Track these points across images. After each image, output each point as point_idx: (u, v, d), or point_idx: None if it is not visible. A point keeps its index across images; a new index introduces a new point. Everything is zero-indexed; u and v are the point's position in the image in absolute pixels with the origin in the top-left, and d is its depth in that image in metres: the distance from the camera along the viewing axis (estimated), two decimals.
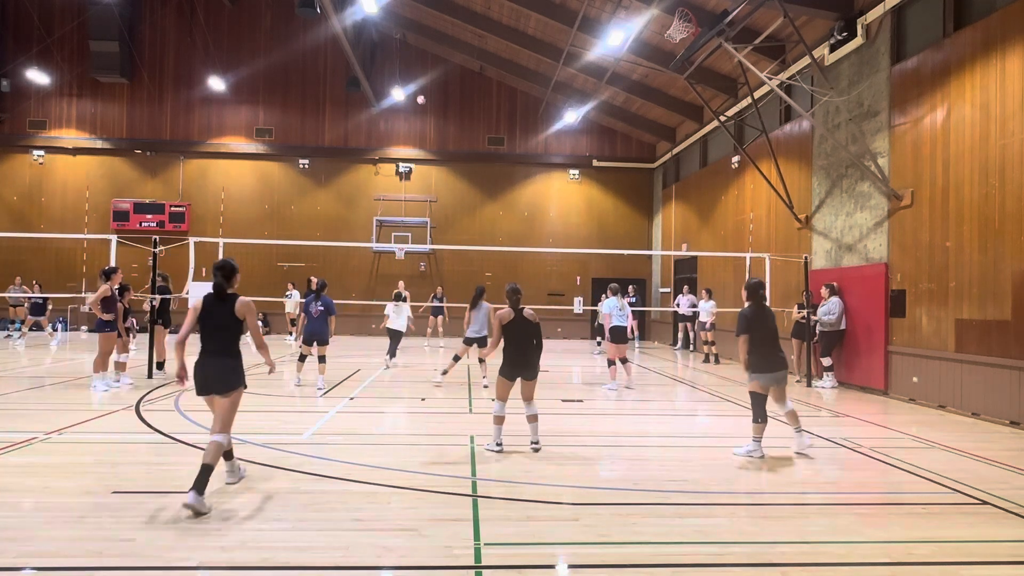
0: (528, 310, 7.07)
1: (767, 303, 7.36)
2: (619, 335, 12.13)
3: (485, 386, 11.65)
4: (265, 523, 4.77)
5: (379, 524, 4.83)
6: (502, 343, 7.12)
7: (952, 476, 6.43)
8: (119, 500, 5.21)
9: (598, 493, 5.68)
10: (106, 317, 10.51)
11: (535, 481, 5.95)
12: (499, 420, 7.00)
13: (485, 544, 4.45)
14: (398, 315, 15.32)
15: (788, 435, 8.39)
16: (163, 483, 5.77)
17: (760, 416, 7.05)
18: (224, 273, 5.47)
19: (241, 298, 5.48)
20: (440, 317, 20.72)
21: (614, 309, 12.27)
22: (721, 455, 7.29)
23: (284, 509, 5.06)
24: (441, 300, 20.59)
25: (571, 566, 4.18)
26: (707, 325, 17.48)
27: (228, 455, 5.68)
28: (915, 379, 11.02)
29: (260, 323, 23.31)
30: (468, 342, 11.98)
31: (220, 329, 5.37)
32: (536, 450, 6.97)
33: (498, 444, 6.97)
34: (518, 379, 7.06)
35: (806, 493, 5.86)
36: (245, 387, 5.50)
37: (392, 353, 15.22)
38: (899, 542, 4.70)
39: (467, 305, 12.36)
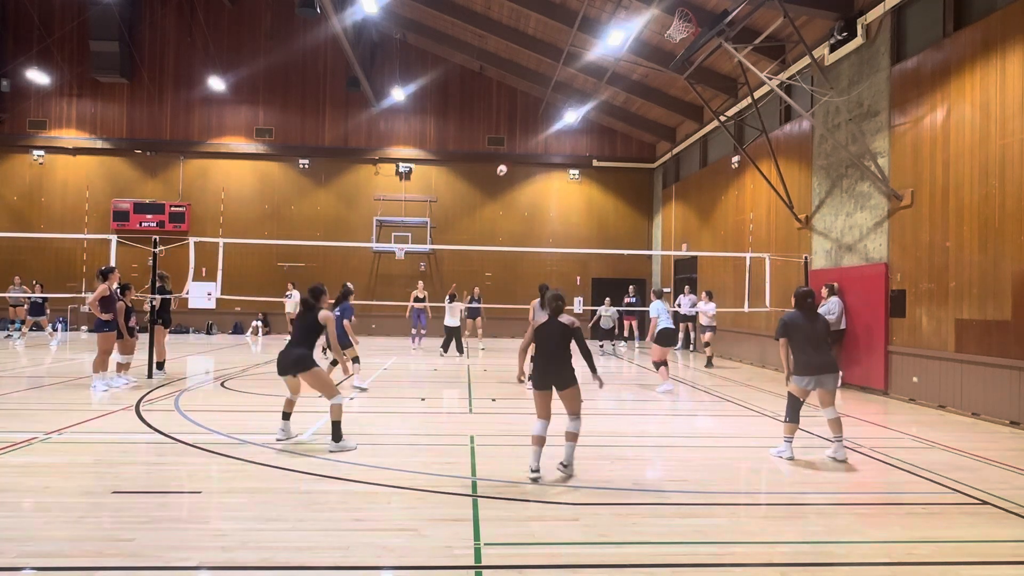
0: (567, 316, 6.27)
1: (818, 310, 7.37)
2: (669, 338, 11.98)
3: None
4: (265, 523, 4.77)
5: (379, 524, 4.83)
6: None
7: (952, 476, 6.43)
8: (119, 500, 5.21)
9: (598, 493, 5.67)
10: (105, 317, 10.52)
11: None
12: (536, 440, 6.04)
13: (485, 544, 4.45)
14: (451, 313, 16.65)
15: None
16: (163, 483, 5.78)
17: (789, 416, 7.01)
18: (312, 294, 7.30)
19: (323, 311, 7.17)
20: (479, 319, 19.52)
21: (662, 311, 12.02)
22: (721, 455, 7.30)
23: (284, 509, 5.06)
24: (478, 301, 19.36)
25: (571, 566, 4.18)
26: (708, 328, 16.93)
27: (286, 416, 7.28)
28: (915, 379, 11.02)
29: (261, 323, 23.52)
30: None
31: (304, 329, 7.12)
32: (563, 472, 6.01)
33: (533, 471, 5.91)
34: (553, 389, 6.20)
35: (806, 493, 5.86)
36: (319, 366, 7.03)
37: (445, 347, 16.92)
38: (899, 542, 4.70)
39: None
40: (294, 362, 6.97)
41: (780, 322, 7.16)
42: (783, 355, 7.13)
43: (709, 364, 16.42)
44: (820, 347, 6.99)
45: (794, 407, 7.02)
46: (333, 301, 11.57)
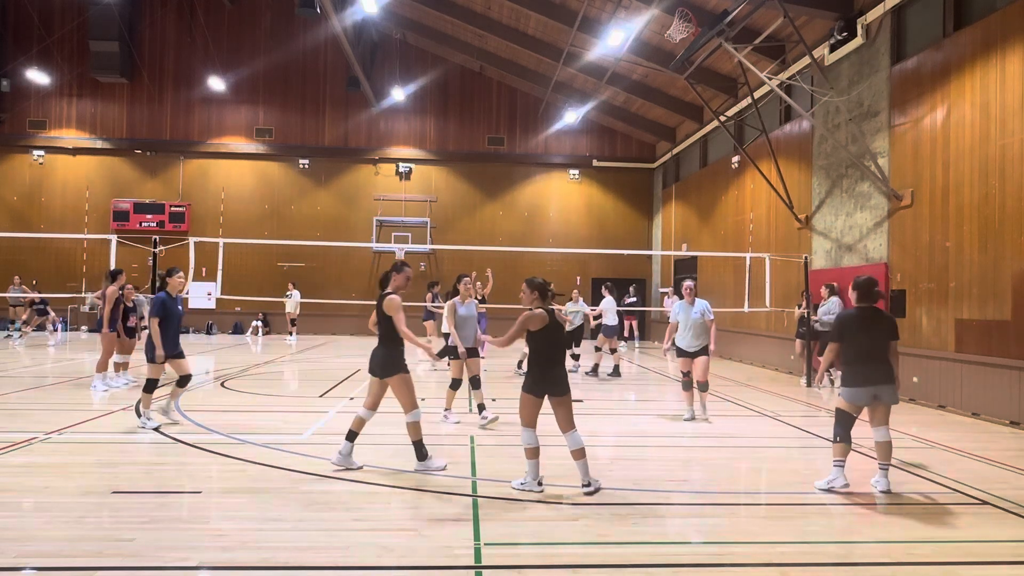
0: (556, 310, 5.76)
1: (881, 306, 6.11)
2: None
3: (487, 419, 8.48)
4: (265, 523, 4.77)
5: (379, 524, 4.83)
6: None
7: (952, 476, 6.43)
8: (119, 500, 5.20)
9: (598, 493, 5.67)
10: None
11: None
12: (532, 453, 5.60)
13: (485, 544, 4.45)
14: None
15: (790, 435, 8.41)
16: (163, 483, 5.78)
17: (839, 435, 5.88)
18: (381, 277, 6.40)
19: (389, 296, 6.15)
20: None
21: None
22: (721, 455, 7.30)
23: (284, 509, 5.06)
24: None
25: (571, 566, 4.18)
26: (611, 328, 13.66)
27: (351, 436, 6.26)
28: (915, 379, 11.02)
29: (261, 323, 23.46)
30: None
31: (380, 322, 6.21)
32: (589, 493, 5.55)
33: (539, 484, 5.59)
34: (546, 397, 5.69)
35: (806, 493, 5.85)
36: (406, 372, 6.19)
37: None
38: (899, 542, 4.70)
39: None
40: (380, 363, 6.20)
41: (836, 320, 6.13)
42: (826, 360, 6.17)
43: (617, 372, 13.76)
44: (878, 354, 5.89)
45: (843, 424, 5.91)
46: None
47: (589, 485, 5.58)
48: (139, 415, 7.83)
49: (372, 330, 6.44)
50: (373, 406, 6.33)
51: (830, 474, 5.91)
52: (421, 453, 6.24)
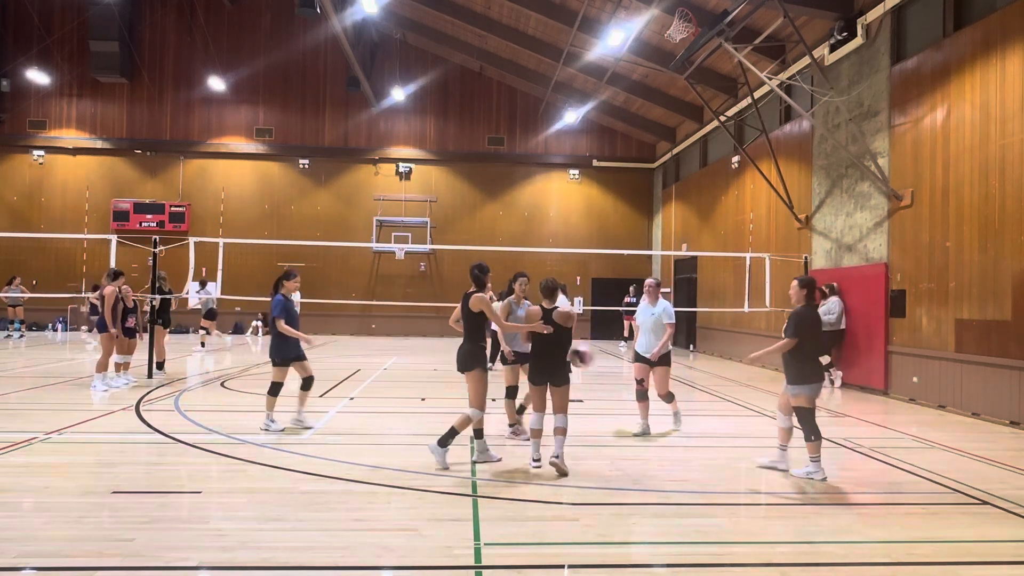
0: (562, 308, 6.36)
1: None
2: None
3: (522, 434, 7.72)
4: (265, 523, 4.77)
5: (379, 524, 4.83)
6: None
7: (952, 476, 6.43)
8: (119, 500, 5.20)
9: (598, 493, 5.68)
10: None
11: (535, 481, 5.95)
12: (535, 433, 6.34)
13: (485, 544, 4.45)
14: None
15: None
16: (163, 483, 5.78)
17: (814, 432, 6.14)
18: (473, 274, 6.57)
19: (477, 294, 6.36)
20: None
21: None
22: (721, 455, 7.30)
23: (284, 509, 5.06)
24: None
25: (571, 566, 4.18)
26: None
27: (479, 434, 6.46)
28: (915, 379, 11.02)
29: (261, 323, 23.43)
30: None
31: (465, 320, 6.49)
32: (555, 464, 6.08)
33: (536, 460, 6.27)
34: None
35: (806, 493, 5.86)
36: (487, 370, 6.45)
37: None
38: (899, 542, 4.69)
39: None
40: (462, 359, 6.45)
41: (796, 317, 6.20)
42: (782, 351, 6.19)
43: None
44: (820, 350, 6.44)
45: (812, 420, 6.18)
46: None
47: (558, 457, 6.08)
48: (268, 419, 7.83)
49: (453, 327, 6.78)
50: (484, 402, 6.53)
51: (809, 466, 6.19)
52: (445, 440, 6.30)
